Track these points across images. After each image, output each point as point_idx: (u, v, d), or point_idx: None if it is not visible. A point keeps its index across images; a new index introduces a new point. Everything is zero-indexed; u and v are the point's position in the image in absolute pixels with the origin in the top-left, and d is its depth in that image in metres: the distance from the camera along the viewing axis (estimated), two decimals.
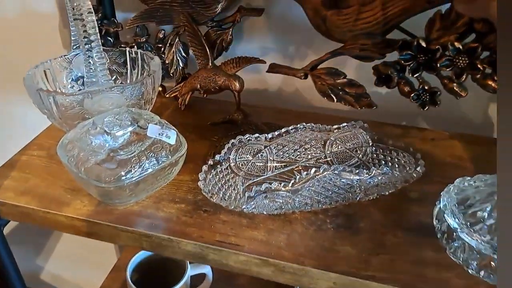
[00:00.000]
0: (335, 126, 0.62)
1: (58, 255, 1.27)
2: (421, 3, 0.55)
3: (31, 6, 0.85)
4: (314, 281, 0.48)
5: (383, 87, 0.64)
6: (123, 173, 0.51)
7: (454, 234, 0.46)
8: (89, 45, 0.56)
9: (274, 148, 0.60)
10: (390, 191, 0.54)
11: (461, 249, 0.46)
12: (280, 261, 0.48)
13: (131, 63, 0.71)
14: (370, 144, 0.61)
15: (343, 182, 0.50)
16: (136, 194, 0.53)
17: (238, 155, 0.59)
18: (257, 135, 0.60)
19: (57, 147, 0.54)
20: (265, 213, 0.52)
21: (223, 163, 0.57)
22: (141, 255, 0.90)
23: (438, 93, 0.60)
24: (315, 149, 0.61)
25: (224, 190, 0.55)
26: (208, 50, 0.71)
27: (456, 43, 0.55)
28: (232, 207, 0.51)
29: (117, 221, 0.53)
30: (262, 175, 0.59)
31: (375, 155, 0.60)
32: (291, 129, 0.60)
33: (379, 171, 0.50)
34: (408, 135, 0.69)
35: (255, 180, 0.58)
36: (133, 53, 0.70)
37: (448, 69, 0.58)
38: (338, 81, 0.63)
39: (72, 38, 0.67)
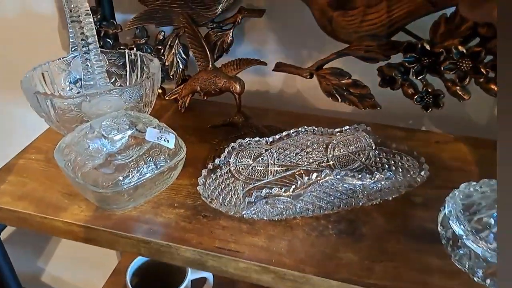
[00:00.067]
0: (338, 129, 0.61)
1: (59, 257, 1.27)
2: (426, 6, 0.55)
3: (31, 7, 0.85)
4: None
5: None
6: (120, 178, 0.50)
7: (460, 241, 0.44)
8: (87, 48, 0.56)
9: (275, 151, 0.59)
10: (393, 196, 0.53)
11: (466, 257, 0.44)
12: (280, 268, 0.47)
13: (131, 65, 0.70)
14: (373, 148, 0.60)
15: (345, 187, 0.49)
16: (134, 199, 0.52)
17: (238, 159, 0.58)
18: (257, 138, 0.59)
19: (54, 151, 0.53)
20: (265, 218, 0.51)
21: (223, 167, 0.56)
22: (141, 258, 0.90)
23: (442, 95, 0.60)
24: (317, 153, 0.60)
25: (224, 195, 0.54)
26: (208, 51, 0.70)
27: (460, 47, 0.55)
28: (232, 212, 0.50)
29: (115, 227, 0.52)
30: (263, 179, 0.58)
31: (378, 159, 0.59)
32: (293, 133, 0.59)
33: (382, 175, 0.49)
34: (412, 138, 0.68)
35: (256, 184, 0.57)
36: (132, 55, 0.69)
37: (451, 72, 0.57)
38: (343, 81, 0.63)
39: (71, 40, 0.66)
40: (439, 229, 0.48)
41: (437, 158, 0.63)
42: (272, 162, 0.59)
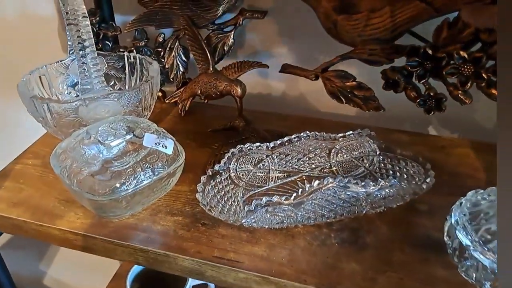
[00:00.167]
0: (341, 135, 0.59)
1: (60, 260, 1.26)
2: (428, 11, 0.55)
3: (30, 8, 0.84)
4: None
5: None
6: (117, 185, 0.49)
7: (466, 252, 0.43)
8: (83, 51, 0.54)
9: (276, 157, 0.58)
10: (398, 204, 0.52)
11: (473, 268, 0.43)
12: (281, 279, 0.46)
13: (130, 68, 0.69)
14: (377, 153, 0.58)
15: (348, 194, 0.48)
16: (131, 206, 0.51)
17: (238, 165, 0.56)
18: (258, 144, 0.57)
19: (50, 157, 0.52)
20: (266, 227, 0.50)
21: (223, 173, 0.55)
22: None
23: (444, 99, 0.61)
24: (319, 158, 0.59)
25: (223, 202, 0.53)
26: (209, 54, 0.69)
27: (461, 52, 0.56)
28: (232, 220, 0.48)
29: (112, 235, 0.51)
30: (264, 186, 0.57)
31: (382, 165, 0.58)
32: (294, 138, 0.58)
33: (386, 183, 0.47)
34: (417, 143, 0.66)
35: (256, 191, 0.56)
36: (132, 57, 0.68)
37: (453, 77, 0.58)
38: (348, 83, 0.63)
39: (68, 43, 0.65)
40: (445, 239, 0.46)
41: (443, 164, 0.61)
42: (273, 168, 0.57)
